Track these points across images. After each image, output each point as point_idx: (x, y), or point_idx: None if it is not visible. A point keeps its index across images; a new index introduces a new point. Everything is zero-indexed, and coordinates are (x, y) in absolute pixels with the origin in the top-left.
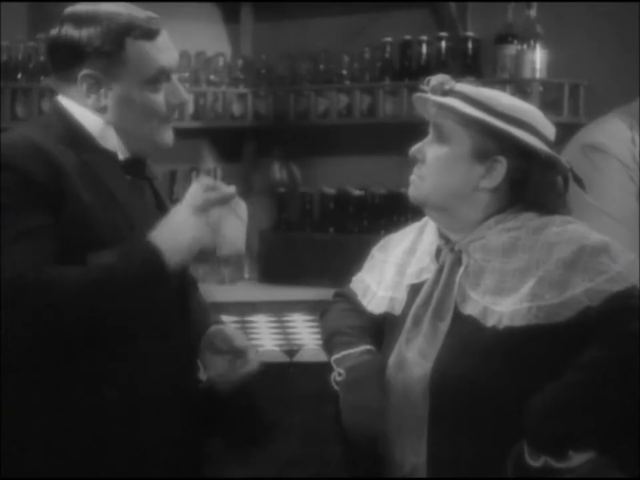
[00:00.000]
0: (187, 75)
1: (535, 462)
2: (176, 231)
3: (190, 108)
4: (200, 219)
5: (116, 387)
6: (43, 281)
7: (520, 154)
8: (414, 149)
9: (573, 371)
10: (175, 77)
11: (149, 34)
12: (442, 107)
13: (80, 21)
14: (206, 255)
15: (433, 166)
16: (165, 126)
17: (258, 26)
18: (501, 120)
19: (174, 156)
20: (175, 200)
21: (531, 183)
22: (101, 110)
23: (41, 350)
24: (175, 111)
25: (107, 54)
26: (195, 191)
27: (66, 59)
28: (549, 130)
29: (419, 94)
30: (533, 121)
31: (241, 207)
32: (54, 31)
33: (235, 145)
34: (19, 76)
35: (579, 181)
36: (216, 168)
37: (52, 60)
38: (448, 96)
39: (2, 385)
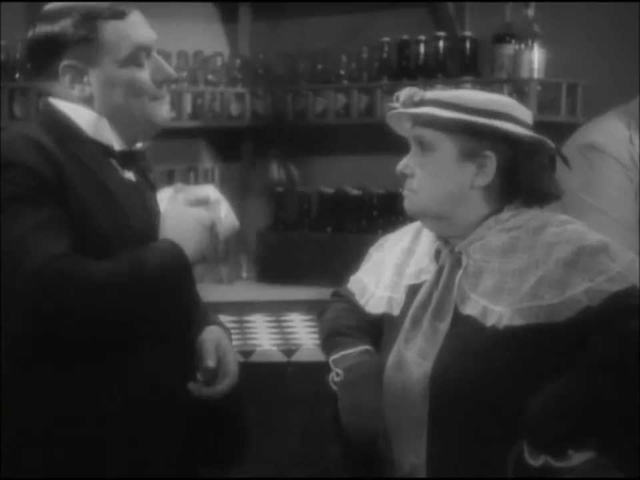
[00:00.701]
0: (185, 74)
1: (535, 461)
2: (177, 224)
3: (188, 107)
4: (193, 209)
5: (116, 388)
6: (74, 269)
7: (506, 145)
8: (400, 166)
9: (573, 370)
10: (155, 53)
11: (119, 14)
12: (419, 117)
13: (51, 16)
14: (211, 240)
15: (423, 177)
16: (157, 103)
17: (256, 25)
18: (480, 116)
19: (172, 155)
20: None
21: (522, 171)
22: (87, 99)
23: (49, 343)
24: (164, 87)
25: (82, 40)
26: (170, 196)
27: (45, 56)
28: (526, 114)
29: (393, 111)
30: (509, 109)
31: (212, 190)
32: (29, 33)
33: (233, 145)
34: (17, 75)
35: (565, 160)
36: (214, 167)
37: (33, 61)
38: (421, 106)
39: (2, 385)
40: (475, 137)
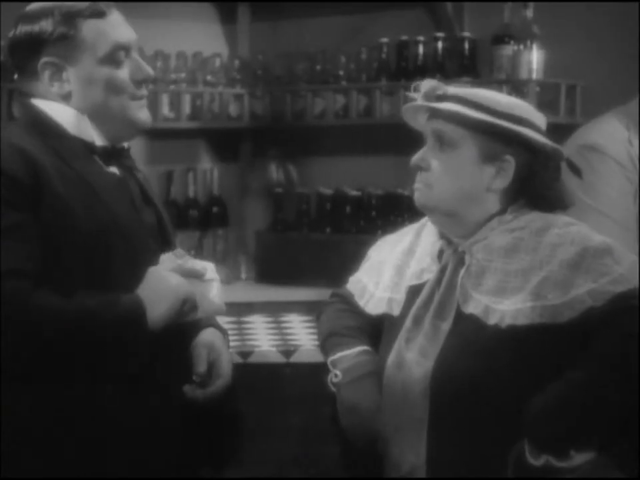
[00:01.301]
0: (183, 75)
1: (536, 461)
2: (155, 284)
3: (187, 108)
4: (178, 277)
5: (114, 389)
6: (17, 292)
7: (526, 151)
8: (416, 158)
9: (575, 370)
10: (135, 53)
11: (99, 13)
12: (440, 111)
13: (32, 16)
14: (188, 312)
15: (440, 173)
16: (136, 104)
17: (255, 26)
18: (504, 120)
19: (171, 156)
20: (171, 201)
21: (538, 177)
22: (66, 97)
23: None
24: (143, 87)
25: (62, 37)
26: (168, 259)
27: (25, 54)
28: (542, 121)
29: (414, 103)
30: (529, 115)
31: (211, 268)
32: (10, 34)
33: (232, 146)
34: (16, 76)
35: (574, 169)
36: (212, 168)
37: (13, 60)
38: (444, 101)
39: (2, 384)
40: (497, 139)
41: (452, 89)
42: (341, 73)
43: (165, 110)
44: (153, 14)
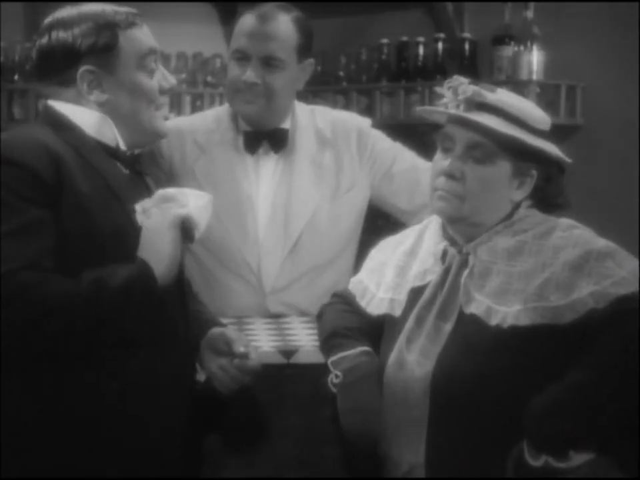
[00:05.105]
0: (184, 76)
1: (536, 462)
2: (153, 242)
3: (187, 109)
4: (170, 230)
5: (115, 387)
6: (31, 287)
7: (547, 164)
8: (451, 166)
9: (575, 371)
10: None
11: (136, 22)
12: (483, 126)
13: (68, 23)
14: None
15: (475, 186)
16: (160, 114)
17: None
18: (538, 137)
19: None
20: None
21: (552, 187)
22: (102, 104)
23: (34, 351)
24: (165, 96)
25: (102, 48)
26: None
27: (62, 62)
28: (548, 124)
29: (459, 113)
30: (548, 127)
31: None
32: (43, 40)
33: None
34: (16, 77)
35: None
36: None
37: (46, 66)
38: (483, 110)
39: (2, 384)
40: (529, 157)
41: (491, 97)
42: (341, 73)
43: (165, 111)
44: (154, 15)
